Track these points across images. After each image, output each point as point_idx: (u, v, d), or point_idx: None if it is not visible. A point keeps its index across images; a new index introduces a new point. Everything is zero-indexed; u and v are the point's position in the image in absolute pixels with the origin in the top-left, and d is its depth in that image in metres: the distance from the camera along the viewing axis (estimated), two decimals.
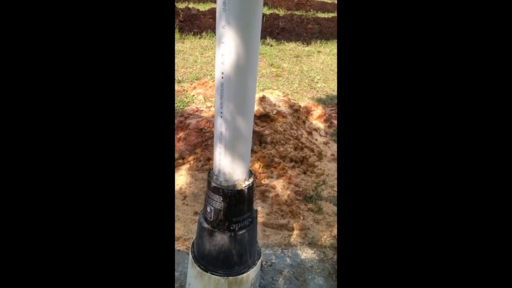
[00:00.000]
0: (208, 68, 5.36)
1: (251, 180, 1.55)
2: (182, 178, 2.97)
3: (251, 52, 1.25)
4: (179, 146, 3.30)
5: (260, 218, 2.65)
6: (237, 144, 1.41)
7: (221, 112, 1.36)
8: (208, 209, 1.56)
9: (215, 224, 1.55)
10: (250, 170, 1.57)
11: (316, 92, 4.97)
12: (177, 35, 6.35)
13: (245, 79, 1.28)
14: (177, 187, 2.89)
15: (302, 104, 4.18)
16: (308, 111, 4.04)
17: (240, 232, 1.57)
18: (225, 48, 1.22)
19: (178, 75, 5.04)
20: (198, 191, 2.85)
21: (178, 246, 2.42)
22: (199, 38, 6.53)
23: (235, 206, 1.51)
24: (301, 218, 2.70)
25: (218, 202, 1.51)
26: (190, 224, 2.59)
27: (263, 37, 7.04)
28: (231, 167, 1.46)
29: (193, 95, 4.50)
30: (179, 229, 2.54)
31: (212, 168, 1.57)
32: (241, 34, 1.19)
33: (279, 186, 2.92)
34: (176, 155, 3.21)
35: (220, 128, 1.39)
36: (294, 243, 2.53)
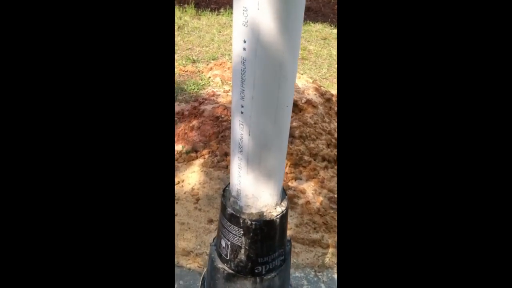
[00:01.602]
0: (226, 47, 4.82)
1: (284, 205, 1.06)
2: (194, 176, 2.52)
3: (291, 23, 0.74)
4: (192, 136, 2.84)
5: (288, 231, 2.18)
6: (267, 156, 0.91)
7: (242, 106, 0.86)
8: (223, 243, 1.09)
9: (233, 265, 1.08)
10: (283, 189, 1.08)
11: None
12: (192, 11, 5.80)
13: (282, 51, 0.77)
14: (188, 187, 2.44)
15: (334, 92, 3.59)
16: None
17: (269, 276, 1.10)
18: (252, 9, 0.71)
19: (193, 54, 4.56)
20: (214, 193, 2.39)
21: (189, 262, 1.99)
22: (217, 15, 5.95)
23: (262, 242, 1.03)
24: None
25: (237, 236, 1.04)
26: (203, 235, 2.15)
27: None
28: (256, 187, 0.97)
29: (209, 77, 4.01)
30: (190, 241, 2.11)
31: (228, 186, 1.08)
32: None
33: (310, 190, 2.41)
34: (189, 147, 2.75)
35: (239, 131, 0.90)
36: (330, 264, 2.04)
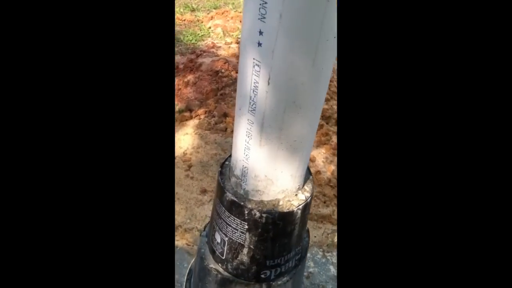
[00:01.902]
0: None
1: (309, 190, 0.75)
2: (187, 139, 2.20)
3: None
4: (186, 93, 2.48)
5: None
6: (294, 118, 0.58)
7: (260, 33, 0.50)
8: (218, 238, 0.79)
9: (230, 267, 0.79)
10: (308, 168, 0.75)
11: None
12: None
13: None
14: (180, 151, 2.13)
15: None
16: None
17: (279, 282, 0.81)
18: None
19: (192, 2, 4.08)
20: (209, 159, 2.09)
21: (177, 239, 1.73)
22: None
23: (275, 240, 0.73)
24: None
25: (238, 232, 0.73)
26: (194, 207, 1.87)
27: None
28: (272, 166, 0.65)
29: (210, 27, 3.58)
30: (179, 214, 1.84)
31: (230, 158, 0.75)
32: None
33: (320, 158, 2.11)
34: (182, 106, 2.41)
35: (253, 77, 0.55)
36: None
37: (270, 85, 0.53)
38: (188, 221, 1.80)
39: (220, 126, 2.23)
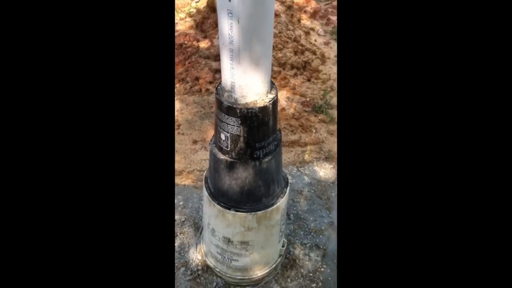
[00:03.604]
0: None
1: (274, 92, 1.18)
2: None
3: None
4: None
5: None
6: (256, 42, 0.99)
7: (229, 11, 0.91)
8: (223, 136, 1.21)
9: (234, 154, 1.22)
10: (271, 80, 1.18)
11: None
12: None
13: None
14: None
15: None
16: (300, 8, 3.46)
17: (266, 160, 1.26)
18: None
19: None
20: (192, 117, 2.47)
21: (183, 180, 2.14)
22: None
23: (258, 128, 1.16)
24: (313, 131, 2.41)
25: (235, 126, 1.16)
26: (190, 155, 2.27)
27: None
28: (248, 77, 1.07)
29: None
30: (180, 162, 2.23)
31: (221, 83, 1.17)
32: None
33: (283, 98, 2.56)
34: None
35: (229, 21, 0.95)
36: (309, 159, 2.28)
37: (239, 23, 0.94)
38: (189, 166, 2.21)
39: (195, 88, 2.60)
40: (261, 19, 0.96)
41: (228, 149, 1.22)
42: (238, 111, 1.11)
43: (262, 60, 1.05)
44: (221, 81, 1.16)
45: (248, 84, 1.08)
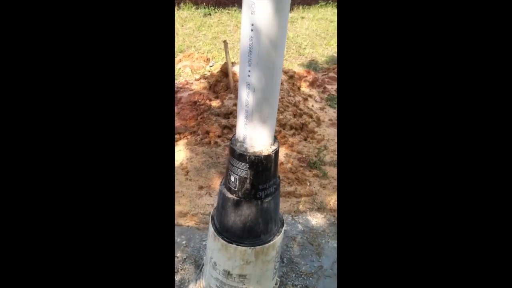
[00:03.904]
0: (191, 40, 5.10)
1: (276, 144, 1.48)
2: (181, 154, 2.85)
3: (284, 4, 1.14)
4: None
5: None
6: (264, 109, 1.32)
7: (249, 71, 1.25)
8: (232, 178, 1.48)
9: (240, 194, 1.48)
10: (274, 135, 1.50)
11: (305, 58, 4.87)
12: None
13: (278, 39, 1.17)
14: (177, 163, 2.77)
15: (295, 70, 4.08)
16: (300, 78, 3.95)
17: (266, 200, 1.51)
18: (258, 10, 1.12)
19: None
20: (200, 165, 2.75)
21: (187, 221, 2.34)
22: (177, 10, 6.19)
23: (262, 172, 1.44)
24: (308, 184, 2.67)
25: (243, 170, 1.43)
26: (196, 199, 2.51)
27: None
28: (257, 132, 1.37)
29: (180, 68, 4.29)
30: (185, 205, 2.46)
31: (235, 135, 1.47)
32: None
33: (282, 154, 2.87)
34: None
35: (246, 97, 1.29)
36: (303, 209, 2.52)
37: (254, 92, 1.27)
38: (193, 209, 2.43)
39: (205, 141, 2.92)
40: (271, 90, 1.30)
41: (236, 189, 1.48)
42: (247, 157, 1.40)
43: (269, 120, 1.36)
44: (234, 134, 1.46)
45: (257, 137, 1.38)
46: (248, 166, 1.42)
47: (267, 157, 1.41)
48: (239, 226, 1.54)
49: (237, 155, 1.42)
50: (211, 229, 1.65)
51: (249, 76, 1.26)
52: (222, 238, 1.59)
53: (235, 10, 6.64)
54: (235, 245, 1.56)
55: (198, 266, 2.00)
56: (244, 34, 1.21)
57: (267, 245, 1.59)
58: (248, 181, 1.45)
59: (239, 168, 1.44)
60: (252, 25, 1.15)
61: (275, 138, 1.50)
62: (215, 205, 1.76)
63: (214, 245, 1.64)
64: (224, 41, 3.53)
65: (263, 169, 1.43)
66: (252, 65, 1.24)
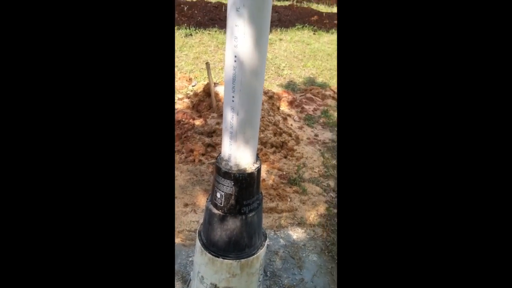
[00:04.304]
0: None
1: (259, 163, 1.60)
2: None
3: (263, 39, 1.29)
4: None
5: None
6: (247, 131, 1.45)
7: (233, 97, 1.38)
8: (218, 195, 1.59)
9: (226, 209, 1.58)
10: (257, 153, 1.62)
11: (284, 79, 5.09)
12: None
13: (258, 69, 1.32)
14: None
15: (274, 91, 4.27)
16: (279, 98, 4.14)
17: (250, 215, 1.62)
18: (240, 44, 1.26)
19: None
20: (185, 183, 2.83)
21: None
22: None
23: (246, 189, 1.55)
24: (288, 200, 2.80)
25: (229, 187, 1.54)
26: (181, 216, 2.58)
27: (223, 27, 6.99)
28: (241, 151, 1.50)
29: None
30: None
31: (220, 154, 1.59)
32: (256, 19, 1.23)
33: (264, 171, 2.99)
34: None
35: (230, 120, 1.42)
36: (284, 224, 2.63)
37: (238, 115, 1.40)
38: (179, 226, 2.49)
39: (190, 159, 3.01)
40: (253, 113, 1.43)
41: (222, 205, 1.59)
42: (232, 175, 1.51)
43: (251, 140, 1.49)
44: (220, 153, 1.58)
45: (241, 156, 1.51)
46: (233, 183, 1.53)
47: (251, 174, 1.53)
48: (225, 240, 1.63)
49: (223, 173, 1.53)
50: (198, 244, 1.73)
51: (233, 101, 1.39)
52: (209, 252, 1.67)
53: (215, 31, 6.86)
54: (221, 259, 1.65)
55: (185, 282, 2.06)
56: (228, 64, 1.35)
57: (251, 257, 1.69)
58: (233, 197, 1.55)
59: (224, 185, 1.55)
60: (235, 56, 1.30)
61: (257, 157, 1.62)
62: (200, 221, 1.85)
63: (201, 259, 1.72)
64: (207, 63, 3.68)
65: (247, 185, 1.54)
66: (235, 91, 1.37)
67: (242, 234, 1.63)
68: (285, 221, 2.64)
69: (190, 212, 2.60)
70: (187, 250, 2.31)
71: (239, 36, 1.26)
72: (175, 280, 2.08)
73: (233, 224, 1.60)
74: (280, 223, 2.62)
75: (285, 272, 2.23)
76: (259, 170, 1.58)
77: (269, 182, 2.88)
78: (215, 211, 1.61)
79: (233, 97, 1.39)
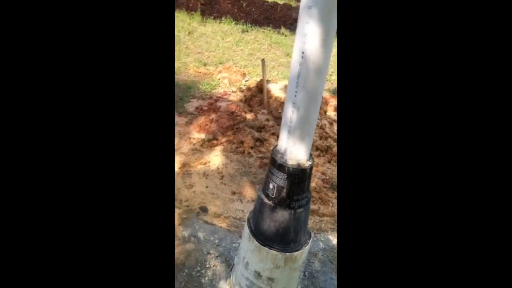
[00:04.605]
0: (230, 53, 5.39)
1: (311, 161, 1.63)
2: (217, 159, 3.05)
3: (330, 39, 1.31)
4: (211, 127, 3.37)
5: None
6: (305, 127, 1.48)
7: (296, 92, 1.42)
8: (271, 186, 1.64)
9: (276, 201, 1.63)
10: (310, 153, 1.65)
11: (331, 84, 5.02)
12: (199, 18, 6.35)
13: (322, 68, 1.34)
14: (214, 167, 2.97)
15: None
16: (327, 102, 4.10)
17: (299, 210, 1.65)
18: (308, 42, 1.29)
19: (203, 58, 5.12)
20: (234, 172, 2.93)
21: (220, 223, 2.51)
22: (219, 23, 6.53)
23: (298, 184, 1.59)
24: (331, 205, 2.78)
25: (282, 180, 1.59)
26: (228, 203, 2.68)
27: (277, 27, 7.02)
28: (297, 146, 1.53)
29: (219, 79, 4.55)
30: (219, 207, 2.64)
31: (276, 147, 1.64)
32: (325, 20, 1.25)
33: None
34: (210, 136, 3.29)
35: (291, 114, 1.46)
36: (325, 228, 2.62)
37: (298, 111, 1.44)
38: (226, 212, 2.60)
39: (239, 150, 3.10)
40: (312, 111, 1.46)
41: (273, 196, 1.64)
42: (286, 168, 1.56)
43: (307, 137, 1.52)
44: (276, 145, 1.63)
45: (296, 151, 1.54)
46: (286, 176, 1.57)
47: (303, 170, 1.57)
48: (273, 231, 1.68)
49: (277, 165, 1.58)
50: (246, 230, 1.80)
51: (295, 96, 1.43)
52: (257, 240, 1.73)
53: (269, 30, 6.91)
54: (267, 248, 1.71)
55: (229, 265, 2.15)
56: (295, 59, 1.38)
57: (296, 253, 1.72)
58: (285, 190, 1.60)
59: (278, 177, 1.60)
60: (303, 53, 1.33)
61: (311, 155, 1.65)
62: (246, 211, 1.92)
63: (248, 245, 1.79)
64: (262, 60, 3.75)
65: (299, 181, 1.58)
66: (299, 87, 1.41)
67: (289, 227, 1.67)
68: (325, 225, 2.63)
69: (236, 201, 2.69)
70: (231, 236, 2.40)
71: (308, 33, 1.29)
72: (220, 262, 2.18)
73: (281, 216, 1.64)
74: (320, 227, 2.62)
75: (323, 275, 2.24)
76: (311, 167, 1.61)
77: (312, 184, 2.89)
78: (266, 201, 1.66)
79: (296, 92, 1.42)
